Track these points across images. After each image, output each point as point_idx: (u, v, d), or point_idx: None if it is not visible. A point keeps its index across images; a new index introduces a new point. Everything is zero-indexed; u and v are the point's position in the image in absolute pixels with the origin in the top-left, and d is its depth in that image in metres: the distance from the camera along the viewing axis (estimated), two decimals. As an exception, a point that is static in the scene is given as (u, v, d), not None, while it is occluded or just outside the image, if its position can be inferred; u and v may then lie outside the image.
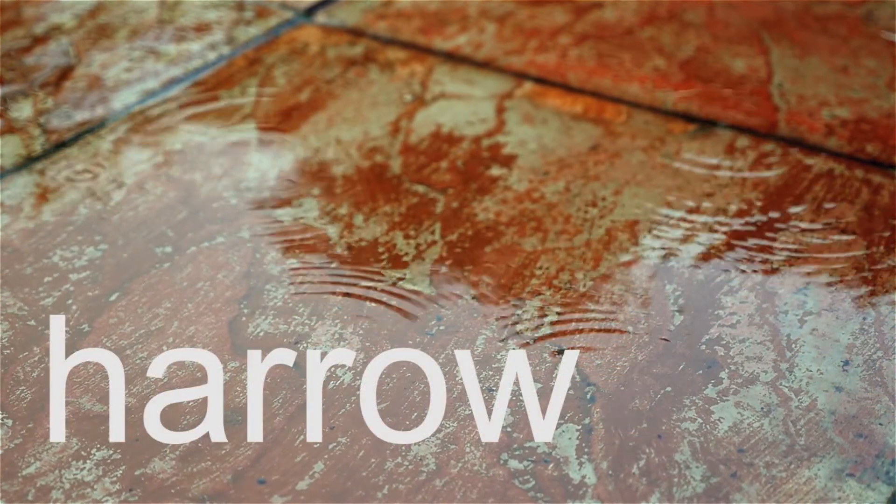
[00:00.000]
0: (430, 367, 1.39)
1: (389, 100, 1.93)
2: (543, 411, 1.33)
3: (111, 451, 1.29)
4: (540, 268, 1.55)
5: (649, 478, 1.25)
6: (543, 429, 1.31)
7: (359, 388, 1.37)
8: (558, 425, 1.31)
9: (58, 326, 1.46)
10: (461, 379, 1.38)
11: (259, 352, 1.42)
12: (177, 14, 2.22)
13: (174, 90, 1.97)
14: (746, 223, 1.62)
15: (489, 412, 1.33)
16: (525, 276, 1.53)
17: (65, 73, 2.03)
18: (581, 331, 1.44)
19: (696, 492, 1.24)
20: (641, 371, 1.38)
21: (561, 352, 1.41)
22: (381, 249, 1.58)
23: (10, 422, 1.33)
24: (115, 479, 1.26)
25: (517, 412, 1.33)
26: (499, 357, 1.41)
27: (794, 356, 1.40)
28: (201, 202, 1.69)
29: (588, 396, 1.35)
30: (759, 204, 1.65)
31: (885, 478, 1.25)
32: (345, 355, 1.41)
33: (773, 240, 1.59)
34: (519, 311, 1.47)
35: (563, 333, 1.44)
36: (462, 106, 1.90)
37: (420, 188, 1.71)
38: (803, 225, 1.61)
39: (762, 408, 1.33)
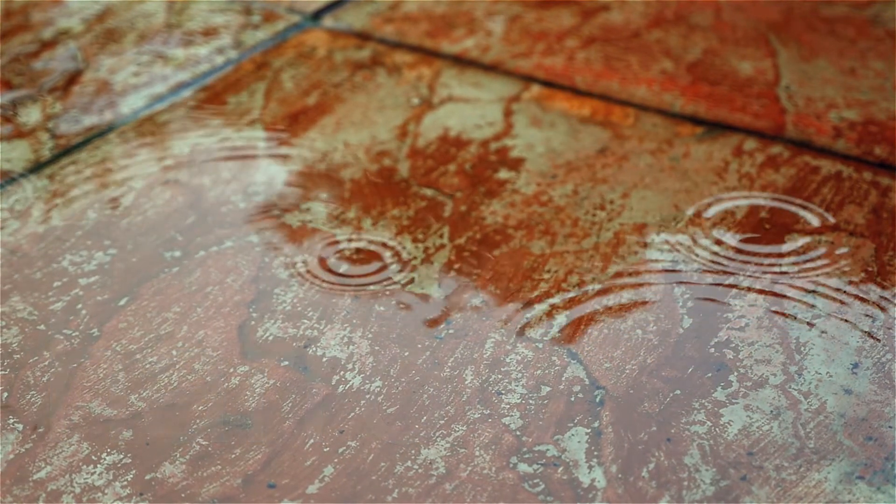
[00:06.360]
0: (439, 370, 1.39)
1: (397, 103, 1.93)
2: (552, 414, 1.33)
3: (121, 456, 1.29)
4: (548, 271, 1.55)
5: (659, 481, 1.25)
6: (553, 432, 1.31)
7: (368, 392, 1.37)
8: (568, 428, 1.31)
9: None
10: (470, 382, 1.38)
11: (268, 356, 1.42)
12: (184, 18, 2.22)
13: (182, 94, 1.97)
14: (755, 226, 1.62)
15: (498, 415, 1.33)
16: (533, 280, 1.53)
17: (73, 78, 2.03)
18: (590, 334, 1.44)
19: (705, 495, 1.24)
20: (650, 374, 1.38)
21: (570, 354, 1.41)
22: (389, 253, 1.59)
23: (20, 426, 1.33)
24: (125, 483, 1.26)
25: (526, 416, 1.33)
26: (508, 360, 1.41)
27: (803, 359, 1.40)
28: (210, 206, 1.69)
29: (597, 399, 1.35)
30: (767, 206, 1.65)
31: None
32: (354, 359, 1.41)
33: (782, 242, 1.59)
34: (528, 315, 1.47)
35: (572, 336, 1.44)
36: (470, 109, 1.91)
37: (428, 192, 1.71)
38: (812, 227, 1.61)
39: (771, 411, 1.33)
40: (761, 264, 1.55)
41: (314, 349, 1.43)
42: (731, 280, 1.52)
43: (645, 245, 1.59)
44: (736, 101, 1.91)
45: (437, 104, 1.92)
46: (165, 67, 2.06)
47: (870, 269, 1.53)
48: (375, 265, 1.56)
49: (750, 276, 1.53)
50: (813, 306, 1.48)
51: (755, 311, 1.47)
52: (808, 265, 1.55)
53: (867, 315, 1.46)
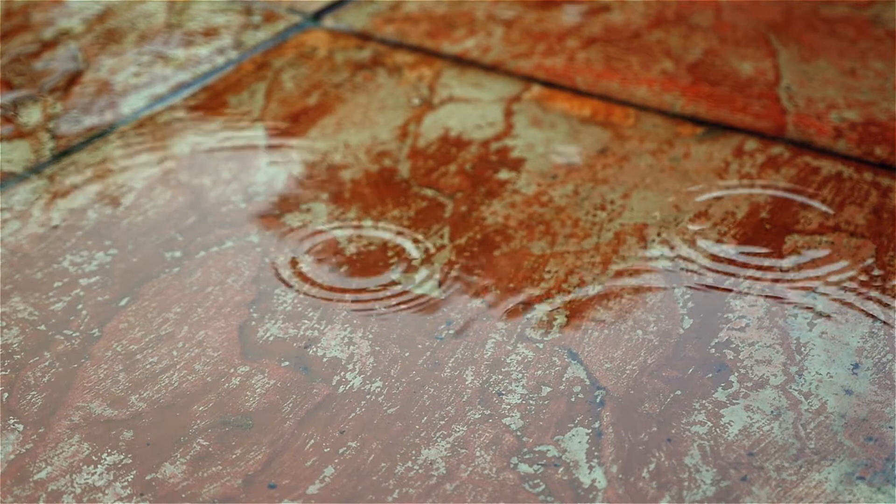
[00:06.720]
0: (440, 370, 1.40)
1: (398, 104, 1.93)
2: (553, 415, 1.33)
3: (122, 456, 1.29)
4: (549, 271, 1.55)
5: (659, 481, 1.25)
6: (553, 433, 1.31)
7: (368, 392, 1.37)
8: (568, 429, 1.31)
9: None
10: (470, 383, 1.38)
11: (269, 356, 1.42)
12: (185, 18, 2.23)
13: (183, 95, 1.97)
14: (755, 226, 1.62)
15: (499, 416, 1.33)
16: (534, 280, 1.53)
17: (73, 79, 2.03)
18: (590, 334, 1.45)
19: (706, 495, 1.24)
20: (651, 374, 1.38)
21: (570, 355, 1.41)
22: (389, 253, 1.59)
23: (21, 426, 1.33)
24: (125, 483, 1.26)
25: (527, 416, 1.33)
26: (508, 360, 1.41)
27: (803, 359, 1.40)
28: (210, 207, 1.69)
29: (598, 400, 1.35)
30: (767, 207, 1.65)
31: (896, 481, 1.25)
32: (354, 359, 1.41)
33: (782, 243, 1.59)
34: (528, 315, 1.47)
35: (573, 337, 1.44)
36: (470, 109, 1.91)
37: (429, 192, 1.71)
38: (812, 228, 1.61)
39: (772, 411, 1.33)
40: (761, 265, 1.55)
41: (315, 349, 1.43)
42: (731, 280, 1.52)
43: (645, 245, 1.59)
44: (736, 101, 1.91)
45: (438, 104, 1.92)
46: (166, 68, 2.06)
47: (870, 269, 1.53)
48: (376, 265, 1.57)
49: (750, 277, 1.53)
50: (813, 307, 1.48)
51: (755, 311, 1.47)
52: (809, 265, 1.55)
53: (867, 315, 1.46)
